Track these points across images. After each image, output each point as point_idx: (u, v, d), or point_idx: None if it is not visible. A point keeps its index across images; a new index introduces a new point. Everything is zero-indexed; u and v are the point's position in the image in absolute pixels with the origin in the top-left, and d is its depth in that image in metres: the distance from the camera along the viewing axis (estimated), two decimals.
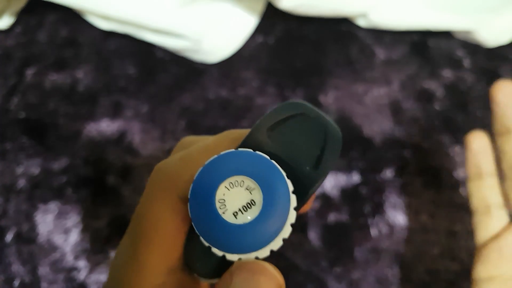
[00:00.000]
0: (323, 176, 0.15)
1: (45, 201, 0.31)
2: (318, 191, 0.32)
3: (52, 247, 0.30)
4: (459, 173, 0.32)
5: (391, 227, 0.31)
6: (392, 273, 0.29)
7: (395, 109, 0.35)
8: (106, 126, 0.34)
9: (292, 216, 0.14)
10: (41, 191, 0.31)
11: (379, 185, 0.32)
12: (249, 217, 0.12)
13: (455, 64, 0.37)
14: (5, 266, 0.29)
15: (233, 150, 0.13)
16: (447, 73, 0.36)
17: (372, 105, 0.35)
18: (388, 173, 0.32)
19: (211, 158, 0.13)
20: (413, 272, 0.29)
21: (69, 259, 0.30)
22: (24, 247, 0.30)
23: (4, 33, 0.38)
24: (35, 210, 0.31)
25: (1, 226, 0.30)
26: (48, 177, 0.32)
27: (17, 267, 0.29)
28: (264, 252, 0.14)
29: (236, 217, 0.12)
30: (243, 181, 0.13)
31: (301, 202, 0.15)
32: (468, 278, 0.30)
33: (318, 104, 0.35)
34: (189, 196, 0.12)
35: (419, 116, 0.35)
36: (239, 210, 0.12)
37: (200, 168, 0.13)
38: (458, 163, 0.33)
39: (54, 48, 0.37)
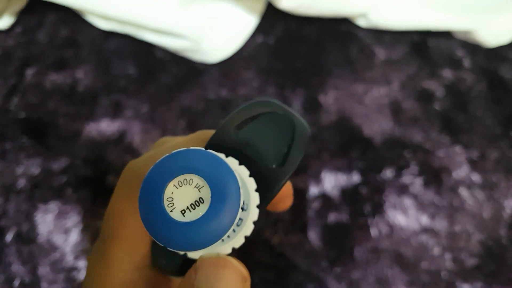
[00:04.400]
0: (288, 174, 0.15)
1: (45, 201, 0.31)
2: (318, 191, 0.32)
3: (52, 247, 0.30)
4: (459, 173, 0.32)
5: (391, 227, 0.31)
6: (392, 273, 0.29)
7: (395, 109, 0.35)
8: (106, 126, 0.34)
9: (254, 214, 0.14)
10: (41, 191, 0.31)
11: (379, 185, 0.32)
12: (196, 215, 0.12)
13: (455, 64, 0.37)
14: (5, 266, 0.29)
15: (184, 149, 0.13)
16: (447, 73, 0.36)
17: (372, 105, 0.35)
18: (388, 173, 0.32)
19: (161, 158, 0.13)
20: (413, 272, 0.29)
21: (69, 259, 0.30)
22: (24, 247, 0.30)
23: (4, 33, 0.38)
24: (35, 210, 0.31)
25: (1, 226, 0.30)
26: (48, 177, 0.32)
27: (17, 267, 0.29)
28: (226, 249, 0.14)
29: (184, 215, 0.12)
30: (192, 180, 0.13)
31: (266, 199, 0.15)
32: (468, 278, 0.30)
33: (318, 104, 0.35)
34: (139, 195, 0.12)
35: (419, 116, 0.35)
36: (187, 208, 0.12)
37: (151, 168, 0.13)
38: (458, 163, 0.33)
39: (54, 48, 0.37)
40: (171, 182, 0.12)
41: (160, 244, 0.12)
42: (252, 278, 0.31)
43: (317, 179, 0.32)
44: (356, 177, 0.32)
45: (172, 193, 0.12)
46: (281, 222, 0.31)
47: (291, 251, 0.30)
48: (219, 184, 0.12)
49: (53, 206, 0.31)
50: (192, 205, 0.12)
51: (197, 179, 0.12)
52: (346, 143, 0.33)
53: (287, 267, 0.30)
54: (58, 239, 0.30)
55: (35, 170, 0.32)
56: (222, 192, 0.12)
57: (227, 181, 0.12)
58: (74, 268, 0.29)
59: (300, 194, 0.31)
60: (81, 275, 0.29)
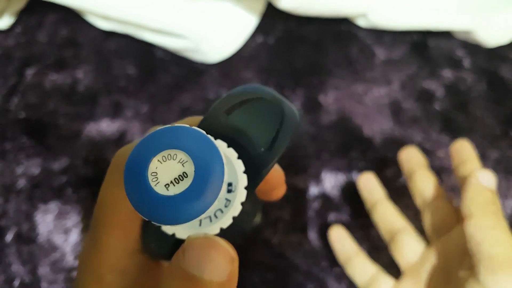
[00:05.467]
0: (275, 157, 0.15)
1: (45, 201, 0.31)
2: (318, 191, 0.32)
3: (52, 247, 0.30)
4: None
5: None
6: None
7: (395, 109, 0.35)
8: (106, 126, 0.34)
9: (242, 195, 0.14)
10: (41, 191, 0.31)
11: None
12: (179, 189, 0.12)
13: (455, 64, 0.37)
14: (5, 266, 0.29)
15: (169, 125, 0.13)
16: (447, 73, 0.36)
17: (372, 105, 0.35)
18: (388, 173, 0.32)
19: (147, 134, 0.13)
20: None
21: (69, 259, 0.30)
22: (24, 247, 0.30)
23: (4, 33, 0.38)
24: (35, 210, 0.31)
25: (1, 226, 0.30)
26: (48, 177, 0.32)
27: (17, 267, 0.29)
28: (214, 230, 0.14)
29: (167, 189, 0.12)
30: (176, 155, 0.13)
31: (254, 182, 0.15)
32: None
33: (318, 104, 0.35)
34: (124, 171, 0.12)
35: (419, 116, 0.35)
36: (171, 182, 0.12)
37: (136, 144, 0.13)
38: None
39: (54, 48, 0.37)
40: (155, 157, 0.13)
41: (145, 218, 0.12)
42: (252, 278, 0.31)
43: (317, 179, 0.32)
44: (356, 177, 0.32)
45: (156, 168, 0.13)
46: (281, 222, 0.31)
47: (291, 251, 0.30)
48: (202, 159, 0.12)
49: (53, 206, 0.31)
50: (176, 180, 0.13)
51: (181, 154, 0.13)
52: (346, 143, 0.33)
53: (287, 267, 0.30)
54: (58, 239, 0.30)
55: (35, 170, 0.32)
56: (206, 166, 0.12)
57: (210, 155, 0.12)
58: (74, 268, 0.29)
59: (300, 194, 0.31)
60: None
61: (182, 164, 0.13)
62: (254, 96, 0.16)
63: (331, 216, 0.31)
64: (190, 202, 0.12)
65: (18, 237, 0.30)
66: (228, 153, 0.14)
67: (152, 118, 0.34)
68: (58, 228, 0.30)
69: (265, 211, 0.31)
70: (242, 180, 0.14)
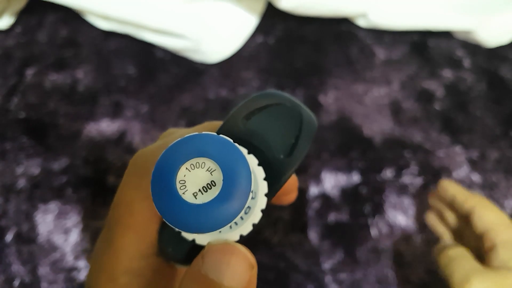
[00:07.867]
0: (295, 164, 0.15)
1: (45, 201, 0.31)
2: (318, 191, 0.32)
3: (52, 247, 0.30)
4: (459, 173, 0.32)
5: (391, 227, 0.31)
6: (392, 273, 0.29)
7: (395, 109, 0.35)
8: (106, 126, 0.34)
9: (262, 202, 0.14)
10: (41, 191, 0.31)
11: (379, 185, 0.32)
12: (208, 197, 0.12)
13: (455, 64, 0.37)
14: (5, 266, 0.29)
15: (196, 133, 0.13)
16: (447, 73, 0.36)
17: (372, 105, 0.35)
18: (388, 173, 0.32)
19: (174, 141, 0.13)
20: (413, 272, 0.29)
21: (69, 259, 0.30)
22: (24, 247, 0.30)
23: (4, 33, 0.38)
24: (35, 210, 0.31)
25: (1, 226, 0.30)
26: (48, 177, 0.32)
27: (17, 267, 0.29)
28: (234, 236, 0.14)
29: (195, 197, 0.12)
30: (204, 163, 0.13)
31: (274, 189, 0.15)
32: None
33: (318, 104, 0.35)
34: (151, 178, 0.13)
35: (419, 116, 0.35)
36: (199, 190, 0.13)
37: (163, 151, 0.13)
38: (458, 163, 0.33)
39: (54, 48, 0.37)
40: (184, 165, 0.13)
41: (172, 226, 0.12)
42: None
43: (317, 179, 0.32)
44: (356, 177, 0.32)
45: (184, 175, 0.13)
46: (281, 222, 0.31)
47: (291, 251, 0.30)
48: (230, 168, 0.12)
49: (53, 206, 0.31)
50: (204, 188, 0.13)
51: (209, 163, 0.13)
52: (346, 143, 0.33)
53: (287, 267, 0.30)
54: (58, 239, 0.30)
55: (35, 170, 0.32)
56: (234, 176, 0.12)
57: (238, 165, 0.12)
58: (74, 268, 0.29)
59: (300, 194, 0.31)
60: (81, 275, 0.29)
61: (211, 173, 0.13)
62: (272, 102, 0.16)
63: (331, 216, 0.31)
64: (218, 211, 0.12)
65: (18, 237, 0.30)
66: (248, 160, 0.14)
67: (152, 118, 0.34)
68: (58, 228, 0.30)
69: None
70: (263, 187, 0.14)
